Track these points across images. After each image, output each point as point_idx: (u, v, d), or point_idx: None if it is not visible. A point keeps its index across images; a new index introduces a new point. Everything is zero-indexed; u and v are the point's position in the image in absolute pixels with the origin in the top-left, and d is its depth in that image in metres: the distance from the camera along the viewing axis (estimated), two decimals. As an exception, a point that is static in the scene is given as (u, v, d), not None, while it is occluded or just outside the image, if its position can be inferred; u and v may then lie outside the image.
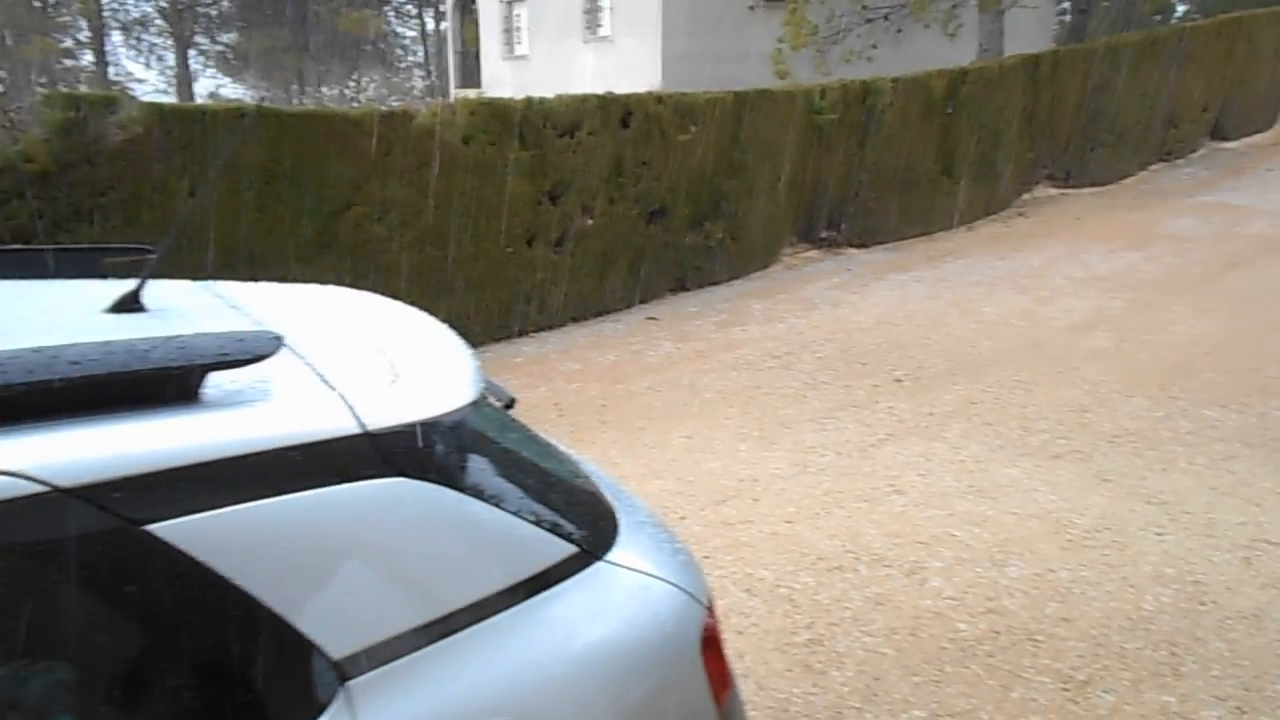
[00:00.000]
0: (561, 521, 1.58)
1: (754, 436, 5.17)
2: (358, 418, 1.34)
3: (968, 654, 3.09)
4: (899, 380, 6.02)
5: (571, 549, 1.54)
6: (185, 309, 1.67)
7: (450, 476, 1.44)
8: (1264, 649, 3.03)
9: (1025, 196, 12.34)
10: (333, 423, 1.31)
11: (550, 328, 7.63)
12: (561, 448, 2.00)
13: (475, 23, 21.89)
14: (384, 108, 6.87)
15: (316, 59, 30.50)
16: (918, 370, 6.20)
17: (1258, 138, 15.15)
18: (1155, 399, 5.51)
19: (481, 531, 1.45)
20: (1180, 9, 26.53)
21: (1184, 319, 7.14)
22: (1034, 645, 3.12)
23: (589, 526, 1.62)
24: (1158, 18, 22.85)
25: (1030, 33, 16.95)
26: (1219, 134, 14.78)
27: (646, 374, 6.43)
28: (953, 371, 6.15)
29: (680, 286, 8.70)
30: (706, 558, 3.82)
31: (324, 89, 29.73)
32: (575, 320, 7.83)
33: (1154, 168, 13.67)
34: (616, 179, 7.83)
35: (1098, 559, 3.68)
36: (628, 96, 7.91)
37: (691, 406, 5.73)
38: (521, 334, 7.43)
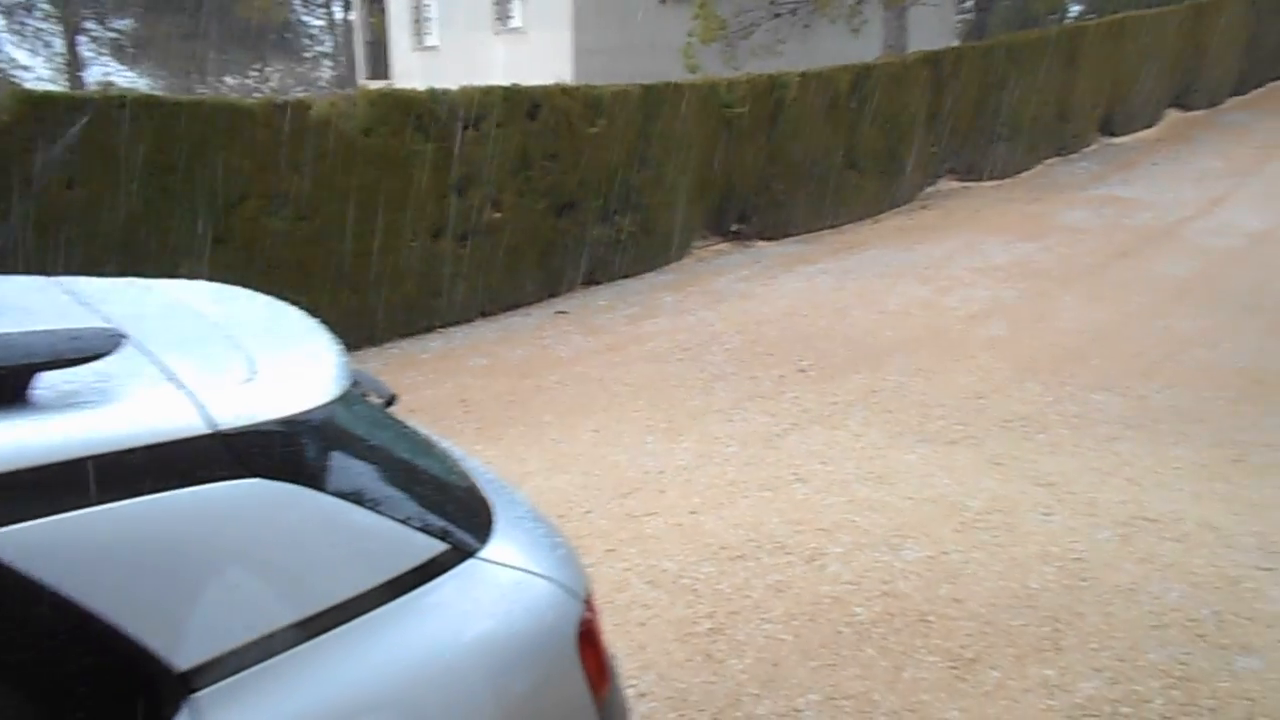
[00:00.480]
0: (432, 519, 1.55)
1: (661, 429, 5.19)
2: (208, 417, 1.28)
3: (863, 637, 3.16)
4: (804, 370, 6.12)
5: (442, 546, 1.51)
6: (27, 306, 1.58)
7: (311, 476, 1.40)
8: (1137, 621, 3.18)
9: (929, 189, 12.67)
10: (179, 423, 1.26)
11: (459, 323, 7.53)
12: (442, 443, 1.96)
13: (384, 13, 21.42)
14: (280, 97, 6.66)
15: (218, 48, 29.40)
16: (822, 360, 6.31)
17: (1144, 133, 15.87)
18: (1046, 384, 5.72)
19: (345, 531, 1.41)
20: (1075, 9, 27.60)
21: (1075, 307, 7.44)
22: (926, 626, 3.20)
23: (462, 523, 1.60)
24: (1053, 17, 23.73)
25: (933, 30, 17.40)
26: (1109, 130, 15.42)
27: (556, 368, 6.39)
28: (856, 361, 6.28)
29: (591, 280, 8.68)
30: (611, 551, 3.82)
31: (226, 78, 28.68)
32: (484, 315, 7.74)
33: (1049, 161, 14.19)
34: (524, 172, 7.76)
35: (988, 540, 3.80)
36: (534, 88, 7.84)
37: (600, 400, 5.72)
38: (429, 329, 7.31)
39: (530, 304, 8.08)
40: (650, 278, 9.02)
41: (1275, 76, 18.85)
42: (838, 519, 4.03)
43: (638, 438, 5.06)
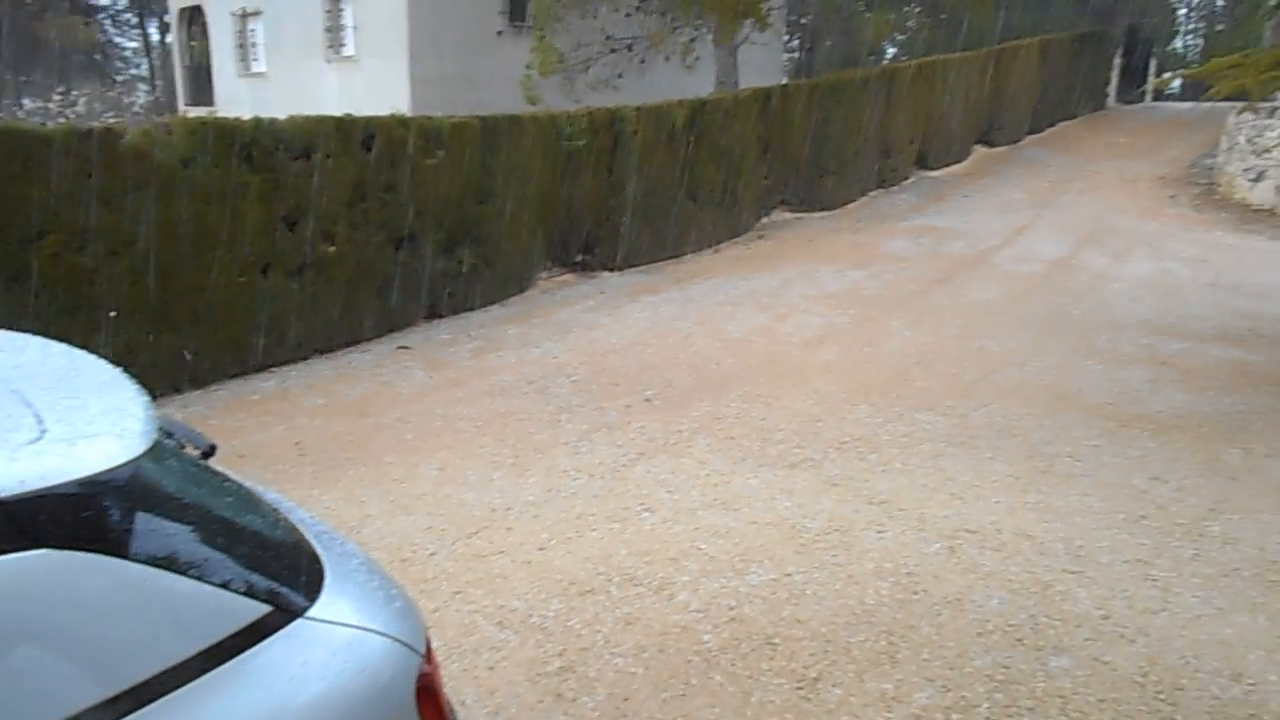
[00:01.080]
0: (255, 579, 1.46)
1: (508, 464, 5.12)
2: (-15, 484, 1.16)
3: (711, 664, 3.19)
4: (649, 400, 6.19)
5: (266, 608, 1.42)
6: None
7: (113, 542, 1.29)
8: (964, 630, 3.36)
9: (764, 220, 13.18)
10: (-52, 492, 1.13)
11: (292, 361, 7.18)
12: (268, 495, 1.85)
13: (205, 36, 20.42)
14: (86, 124, 6.20)
15: (14, 68, 27.19)
16: (667, 389, 6.41)
17: (955, 167, 17.12)
18: (877, 406, 6.01)
19: (155, 600, 1.31)
20: (890, 51, 29.58)
21: (900, 331, 7.88)
22: (771, 649, 3.27)
23: (289, 582, 1.51)
24: (872, 58, 25.32)
25: (763, 67, 18.20)
26: (924, 163, 16.55)
27: (397, 405, 6.20)
28: (700, 389, 6.41)
29: (434, 314, 8.50)
30: (458, 593, 3.72)
31: (24, 101, 26.51)
32: (321, 352, 7.42)
33: (873, 193, 15.06)
34: (360, 204, 7.53)
35: (828, 560, 3.93)
36: (369, 119, 7.64)
37: (444, 437, 5.58)
38: (260, 369, 6.93)
39: (370, 340, 7.82)
40: (494, 310, 8.93)
41: (1063, 117, 20.84)
42: (685, 547, 4.08)
43: (484, 474, 4.97)
